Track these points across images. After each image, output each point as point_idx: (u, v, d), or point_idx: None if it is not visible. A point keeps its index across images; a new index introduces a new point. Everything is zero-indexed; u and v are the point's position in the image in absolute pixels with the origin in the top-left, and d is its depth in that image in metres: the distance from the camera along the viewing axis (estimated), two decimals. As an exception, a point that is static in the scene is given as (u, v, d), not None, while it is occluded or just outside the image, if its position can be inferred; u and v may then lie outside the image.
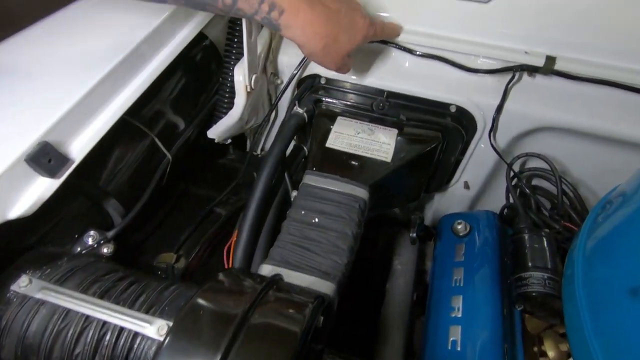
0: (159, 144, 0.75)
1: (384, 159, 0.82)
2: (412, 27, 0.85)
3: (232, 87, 0.84)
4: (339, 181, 0.76)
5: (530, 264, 0.73)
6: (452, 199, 1.10)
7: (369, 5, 0.87)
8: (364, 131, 0.87)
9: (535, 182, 0.98)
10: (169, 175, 0.82)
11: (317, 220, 0.71)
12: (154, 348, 0.44)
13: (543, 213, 0.89)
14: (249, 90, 0.82)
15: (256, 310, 0.43)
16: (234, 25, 0.86)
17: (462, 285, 0.81)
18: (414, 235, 0.84)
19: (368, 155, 0.82)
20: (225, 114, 0.88)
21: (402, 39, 0.85)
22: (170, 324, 0.44)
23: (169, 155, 0.78)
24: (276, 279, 0.49)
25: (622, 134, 0.80)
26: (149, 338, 0.44)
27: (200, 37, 0.88)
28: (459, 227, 0.91)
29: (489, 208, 1.10)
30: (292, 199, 0.80)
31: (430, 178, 1.01)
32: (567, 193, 0.89)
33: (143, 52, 0.71)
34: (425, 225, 1.11)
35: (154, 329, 0.44)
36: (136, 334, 0.45)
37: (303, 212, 0.72)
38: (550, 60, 0.78)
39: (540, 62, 0.78)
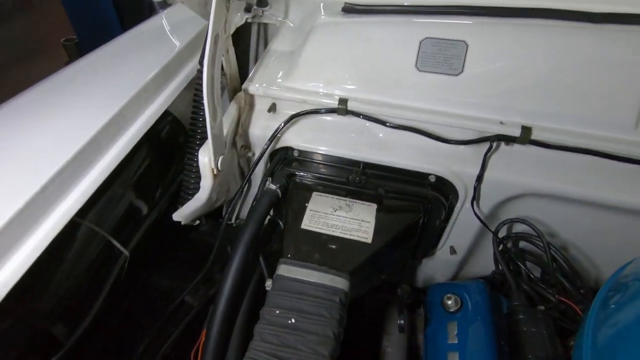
0: (114, 242, 0.67)
1: (364, 240, 0.76)
2: (384, 99, 0.83)
3: (198, 170, 0.79)
4: (316, 271, 0.69)
5: (529, 355, 0.66)
6: (439, 263, 1.05)
7: (341, 78, 0.85)
8: (341, 208, 0.81)
9: (522, 244, 0.94)
10: (129, 269, 0.74)
11: (293, 320, 0.63)
12: None
13: (535, 283, 0.84)
14: (215, 173, 0.77)
15: None
16: (198, 105, 0.82)
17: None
18: (402, 322, 0.77)
19: (347, 236, 0.76)
20: (192, 195, 0.82)
21: (375, 110, 0.83)
22: None
23: (125, 252, 0.70)
24: None
25: (603, 199, 0.78)
26: None
27: (164, 114, 0.83)
28: (449, 302, 0.85)
29: (477, 271, 1.06)
30: (266, 288, 0.73)
31: (415, 249, 0.95)
32: (556, 258, 0.85)
33: (99, 143, 0.65)
34: (414, 289, 1.05)
35: None
36: None
37: (278, 312, 0.64)
38: (527, 130, 0.76)
39: (516, 132, 0.76)
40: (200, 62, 0.82)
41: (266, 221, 0.86)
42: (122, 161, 0.67)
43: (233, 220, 1.10)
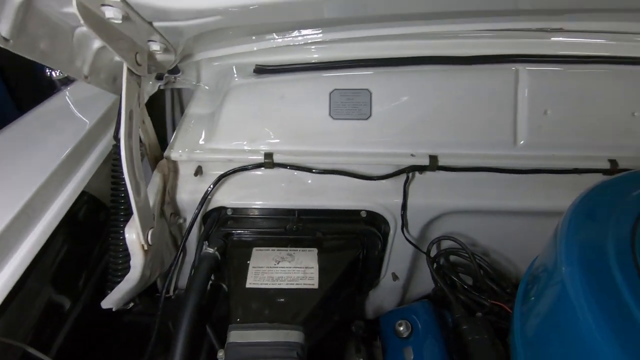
0: (33, 351, 0.59)
1: (311, 287, 0.77)
2: (306, 148, 0.88)
3: (125, 248, 0.74)
4: (268, 329, 0.68)
5: (470, 350, 0.72)
6: (385, 292, 1.09)
7: (264, 134, 0.89)
8: (283, 259, 0.82)
9: (452, 258, 1.03)
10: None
11: (253, 389, 0.61)
12: None
13: (469, 292, 0.92)
14: (146, 248, 0.73)
15: None
16: (118, 181, 0.78)
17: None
18: (356, 338, 0.79)
19: (294, 286, 0.77)
20: (122, 277, 0.76)
21: (300, 160, 0.87)
22: None
23: None
24: None
25: (502, 207, 0.90)
26: None
27: (81, 194, 0.78)
28: (401, 328, 0.88)
29: (421, 291, 1.13)
30: (219, 360, 0.69)
31: (360, 284, 0.99)
32: (482, 265, 0.95)
33: (6, 240, 0.58)
34: (368, 322, 1.07)
35: None
36: None
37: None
38: (434, 158, 0.86)
39: (426, 162, 0.86)
40: (115, 137, 0.80)
41: (208, 287, 0.83)
42: (36, 255, 0.61)
43: (171, 293, 1.03)
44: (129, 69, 0.64)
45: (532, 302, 0.62)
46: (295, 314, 0.72)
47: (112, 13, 0.52)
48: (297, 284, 0.77)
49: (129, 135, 0.65)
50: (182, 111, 1.13)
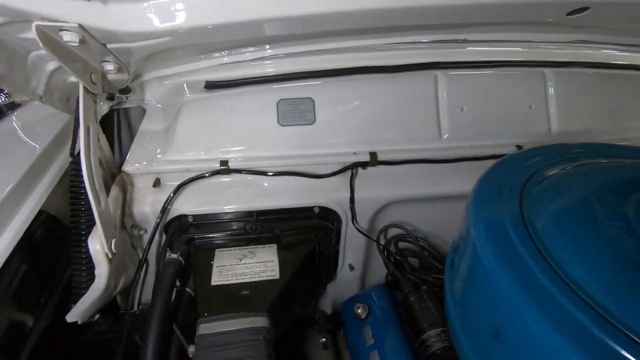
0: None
1: (272, 278, 0.84)
2: (259, 154, 0.96)
3: (89, 260, 0.76)
4: (235, 318, 0.74)
5: (424, 325, 0.82)
6: (344, 284, 1.17)
7: (218, 144, 0.96)
8: (245, 256, 0.88)
9: (401, 245, 1.15)
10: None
11: (224, 371, 0.66)
12: None
13: (416, 271, 1.04)
14: (110, 257, 0.76)
15: None
16: (77, 195, 0.81)
17: (382, 367, 0.85)
18: (324, 340, 0.85)
19: (256, 279, 0.83)
20: (86, 289, 0.78)
21: (254, 165, 0.95)
22: None
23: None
24: None
25: (434, 193, 1.03)
26: None
27: (38, 214, 0.79)
28: (359, 311, 0.97)
29: (375, 279, 1.23)
30: (190, 355, 0.73)
31: (320, 274, 1.07)
32: (425, 247, 1.07)
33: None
34: (329, 315, 1.15)
35: None
36: None
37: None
38: (373, 155, 0.98)
39: (367, 158, 0.97)
40: (72, 154, 0.82)
41: (174, 293, 0.86)
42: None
43: (135, 308, 1.04)
44: (84, 88, 0.69)
45: (456, 266, 0.73)
46: (259, 303, 0.78)
47: (69, 37, 0.58)
48: (259, 276, 0.84)
49: (88, 148, 0.69)
50: (131, 130, 1.16)
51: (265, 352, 0.69)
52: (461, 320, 0.64)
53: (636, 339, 0.39)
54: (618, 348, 0.39)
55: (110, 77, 0.78)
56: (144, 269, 0.95)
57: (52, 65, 0.71)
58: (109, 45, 0.67)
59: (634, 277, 0.47)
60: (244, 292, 0.80)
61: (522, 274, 0.51)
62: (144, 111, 1.10)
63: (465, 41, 1.02)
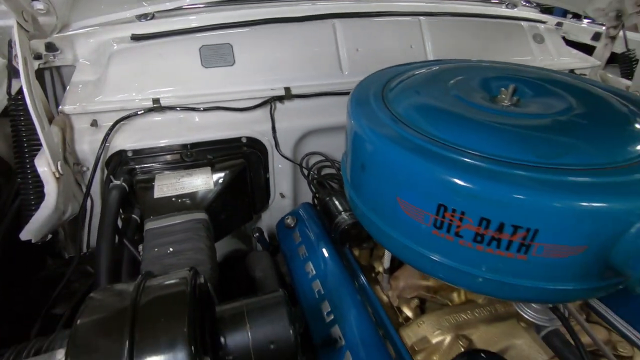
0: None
1: (208, 188, 0.99)
2: (187, 92, 1.10)
3: (36, 182, 0.86)
4: (178, 215, 0.88)
5: (335, 212, 1.03)
6: (277, 211, 1.35)
7: (149, 85, 1.08)
8: (183, 176, 1.02)
9: (324, 172, 1.35)
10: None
11: (171, 249, 0.80)
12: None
13: (336, 190, 1.25)
14: (57, 176, 0.86)
15: (142, 294, 0.51)
16: (17, 127, 0.89)
17: (307, 254, 1.04)
18: (257, 234, 1.03)
19: (194, 190, 0.98)
20: (36, 209, 0.87)
21: (185, 102, 1.09)
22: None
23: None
24: (149, 273, 0.58)
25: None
26: (49, 371, 0.45)
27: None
28: (289, 221, 1.16)
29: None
30: (140, 251, 0.86)
31: (253, 201, 1.24)
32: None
33: None
34: (267, 239, 1.32)
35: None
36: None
37: (156, 250, 0.80)
38: (288, 89, 1.16)
39: (282, 92, 1.16)
40: (9, 93, 0.90)
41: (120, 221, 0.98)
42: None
43: (85, 250, 1.13)
44: (18, 23, 0.79)
45: (346, 149, 0.91)
46: (197, 205, 0.93)
47: (3, -32, 0.68)
48: (197, 188, 0.99)
49: (27, 75, 0.79)
50: (64, 89, 1.23)
51: (204, 234, 0.85)
52: (352, 184, 0.84)
53: (443, 143, 0.61)
54: (436, 149, 0.60)
55: (40, 19, 0.87)
56: (89, 205, 1.05)
57: (-17, 5, 0.79)
58: (38, -16, 0.78)
59: (441, 114, 0.70)
60: (184, 200, 0.95)
61: (377, 124, 0.70)
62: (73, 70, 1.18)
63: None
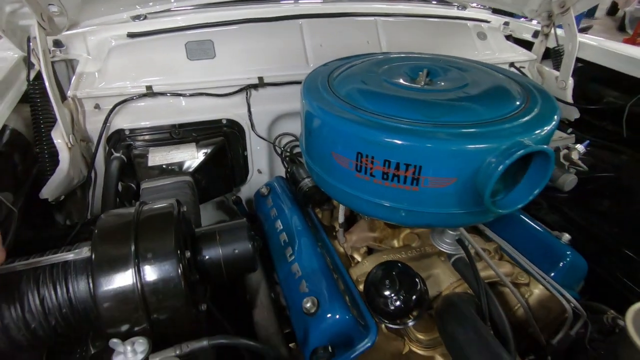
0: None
1: (193, 158, 1.20)
2: (176, 81, 1.31)
3: (51, 152, 1.06)
4: (168, 177, 1.09)
5: (299, 179, 1.25)
6: (256, 185, 1.55)
7: (143, 74, 1.28)
8: (172, 150, 1.23)
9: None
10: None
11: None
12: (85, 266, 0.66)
13: (302, 163, 1.46)
14: (69, 146, 1.06)
15: (142, 211, 0.72)
16: (35, 104, 1.08)
17: (277, 214, 1.26)
18: (237, 207, 1.24)
19: (181, 160, 1.19)
20: (52, 173, 1.07)
21: (173, 89, 1.30)
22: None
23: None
24: (144, 202, 0.78)
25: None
26: (78, 260, 0.66)
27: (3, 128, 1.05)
28: (263, 190, 1.38)
29: (280, 181, 1.64)
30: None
31: (233, 174, 1.45)
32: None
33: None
34: (245, 207, 1.52)
35: (79, 252, 0.67)
36: (65, 263, 0.66)
37: (150, 197, 1.01)
38: (261, 78, 1.38)
39: (256, 81, 1.37)
40: (28, 79, 1.10)
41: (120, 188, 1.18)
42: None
43: (89, 216, 1.33)
44: (38, 23, 0.99)
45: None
46: (184, 171, 1.14)
47: (30, -19, 0.88)
48: (184, 159, 1.20)
49: (46, 64, 0.99)
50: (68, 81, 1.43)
51: (189, 191, 1.06)
52: (306, 150, 1.05)
53: (364, 110, 0.83)
54: (357, 113, 0.82)
55: (55, 19, 1.07)
56: (93, 176, 1.25)
57: (9, 8, 0.99)
58: (54, -9, 0.98)
59: (368, 91, 0.91)
60: (172, 167, 1.16)
61: (319, 100, 0.91)
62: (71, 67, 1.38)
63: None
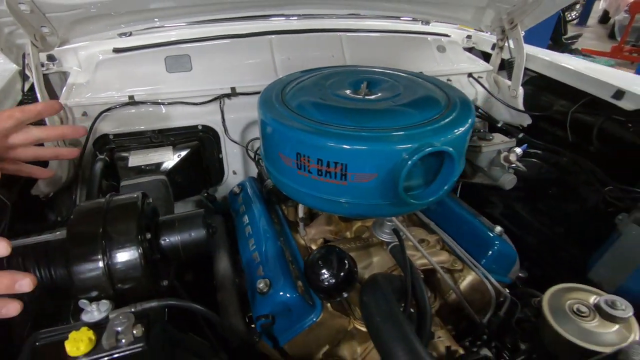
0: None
1: (169, 160, 1.35)
2: (156, 91, 1.46)
3: (43, 152, 1.21)
4: (145, 176, 1.24)
5: (265, 178, 1.40)
6: (231, 185, 1.70)
7: (126, 85, 1.44)
8: (150, 153, 1.38)
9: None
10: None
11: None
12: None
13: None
14: (58, 149, 1.21)
15: (111, 201, 0.87)
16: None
17: (245, 210, 1.40)
18: (206, 193, 1.39)
19: (159, 161, 1.34)
20: (43, 173, 1.22)
21: (153, 98, 1.45)
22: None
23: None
24: (114, 193, 0.92)
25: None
26: (56, 240, 0.80)
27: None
28: (235, 189, 1.52)
29: (255, 183, 1.79)
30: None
31: (209, 175, 1.60)
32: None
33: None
34: (218, 202, 1.67)
35: (57, 234, 0.81)
36: (47, 243, 0.80)
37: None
38: (233, 89, 1.53)
39: (229, 91, 1.53)
40: (23, 90, 1.26)
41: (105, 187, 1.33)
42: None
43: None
44: (32, 42, 1.15)
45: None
46: (161, 171, 1.29)
47: (24, 7, 1.04)
48: (160, 160, 1.35)
49: (38, 78, 1.15)
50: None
51: (163, 189, 1.21)
52: (264, 154, 1.20)
53: (304, 117, 0.98)
54: (298, 120, 0.96)
55: (47, 38, 1.23)
56: (80, 176, 1.40)
57: (7, 29, 1.15)
58: (46, 15, 1.14)
59: (314, 103, 1.06)
60: (150, 168, 1.31)
61: (271, 111, 1.07)
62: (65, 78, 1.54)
63: (286, 15, 1.63)
